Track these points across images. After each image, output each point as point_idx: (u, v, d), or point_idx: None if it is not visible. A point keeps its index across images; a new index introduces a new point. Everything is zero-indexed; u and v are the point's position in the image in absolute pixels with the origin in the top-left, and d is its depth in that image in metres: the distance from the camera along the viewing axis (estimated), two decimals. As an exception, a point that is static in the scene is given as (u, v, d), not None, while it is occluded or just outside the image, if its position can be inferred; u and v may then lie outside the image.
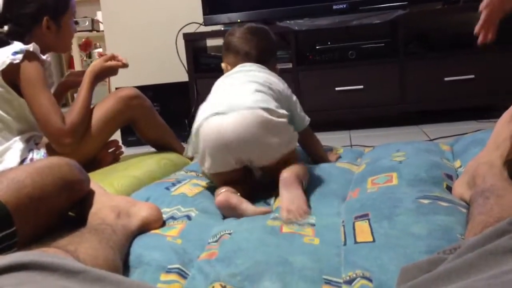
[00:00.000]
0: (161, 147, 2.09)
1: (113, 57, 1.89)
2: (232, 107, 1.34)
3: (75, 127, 1.75)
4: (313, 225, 1.15)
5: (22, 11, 1.81)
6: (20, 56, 1.69)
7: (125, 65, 1.91)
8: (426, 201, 1.12)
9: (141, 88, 2.46)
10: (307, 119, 1.58)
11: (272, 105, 1.35)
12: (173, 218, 1.25)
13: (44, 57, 1.78)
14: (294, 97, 1.54)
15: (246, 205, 1.27)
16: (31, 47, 1.72)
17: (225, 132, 1.31)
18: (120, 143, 2.07)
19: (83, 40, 2.01)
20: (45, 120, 1.71)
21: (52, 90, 1.90)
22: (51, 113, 1.71)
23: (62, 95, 2.09)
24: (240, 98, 1.36)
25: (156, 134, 2.06)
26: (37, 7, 1.81)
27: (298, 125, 1.53)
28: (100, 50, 3.62)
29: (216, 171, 1.37)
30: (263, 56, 1.57)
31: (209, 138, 1.33)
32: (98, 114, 1.86)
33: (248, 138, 1.30)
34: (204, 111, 1.40)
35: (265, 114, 1.31)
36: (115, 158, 1.98)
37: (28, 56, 1.71)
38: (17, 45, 1.73)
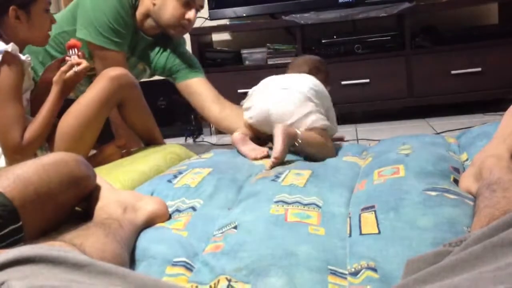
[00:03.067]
0: (144, 133, 2.08)
1: (71, 66, 1.78)
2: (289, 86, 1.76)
3: (32, 144, 1.70)
4: (318, 207, 1.15)
5: None
6: None
7: (86, 67, 1.80)
8: (433, 193, 1.12)
9: (147, 83, 2.47)
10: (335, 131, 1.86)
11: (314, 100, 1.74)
12: (178, 210, 1.25)
13: (24, 57, 1.72)
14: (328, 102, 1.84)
15: (249, 149, 1.71)
16: (9, 47, 1.66)
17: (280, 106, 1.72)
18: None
19: (70, 41, 1.87)
20: (3, 131, 1.67)
21: (28, 92, 1.83)
22: (11, 126, 1.66)
23: (46, 93, 1.90)
24: (294, 84, 1.77)
25: (141, 118, 2.03)
26: None
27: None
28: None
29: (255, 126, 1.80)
30: (299, 69, 1.94)
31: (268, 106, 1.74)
32: (92, 96, 1.82)
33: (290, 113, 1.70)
34: (265, 86, 1.83)
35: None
36: (123, 156, 1.97)
37: (7, 58, 1.65)
38: None
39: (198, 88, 2.31)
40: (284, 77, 1.84)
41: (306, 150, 1.64)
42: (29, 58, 1.77)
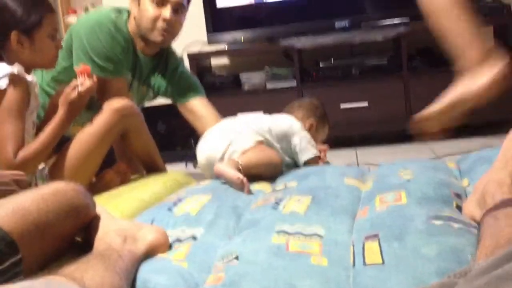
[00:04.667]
0: (146, 162, 2.08)
1: (75, 87, 1.78)
2: None
3: (25, 163, 1.67)
4: (320, 236, 1.14)
5: None
6: (5, 80, 1.65)
7: (89, 88, 1.80)
8: (438, 222, 1.11)
9: (147, 108, 2.47)
10: (306, 156, 1.90)
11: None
12: (178, 240, 1.24)
13: (29, 78, 1.73)
14: (298, 135, 1.90)
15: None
16: (15, 69, 1.67)
17: None
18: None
19: (81, 67, 1.85)
20: None
21: (34, 113, 1.83)
22: (7, 141, 1.64)
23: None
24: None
25: (144, 148, 2.03)
26: (4, 22, 1.71)
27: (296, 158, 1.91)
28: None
29: None
30: (286, 111, 2.06)
31: None
32: (94, 129, 1.83)
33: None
34: None
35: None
36: (123, 181, 1.97)
37: (14, 80, 1.66)
38: (2, 69, 1.67)
39: (199, 109, 2.31)
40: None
41: (254, 171, 1.68)
42: (34, 79, 1.77)
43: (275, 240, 1.12)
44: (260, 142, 1.79)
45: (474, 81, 1.05)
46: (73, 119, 1.82)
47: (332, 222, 1.23)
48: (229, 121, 1.92)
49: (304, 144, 1.90)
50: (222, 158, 1.74)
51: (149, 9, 2.09)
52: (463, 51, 1.06)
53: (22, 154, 1.67)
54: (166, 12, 2.10)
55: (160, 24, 2.10)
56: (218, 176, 1.67)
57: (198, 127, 2.31)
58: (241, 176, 1.59)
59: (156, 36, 2.14)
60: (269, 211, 1.32)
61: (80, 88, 1.77)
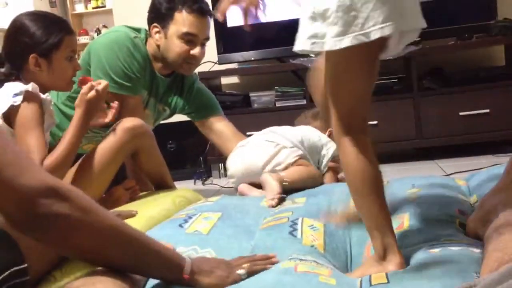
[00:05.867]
0: (155, 179, 2.09)
1: (92, 87, 1.77)
2: None
3: (52, 171, 1.62)
4: (331, 268, 1.14)
5: (12, 50, 1.75)
6: (20, 97, 1.65)
7: (107, 86, 1.80)
8: (436, 250, 1.12)
9: (156, 126, 2.49)
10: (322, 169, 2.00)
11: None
12: (190, 258, 1.23)
13: (44, 96, 1.73)
14: (326, 146, 2.01)
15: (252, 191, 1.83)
16: (30, 87, 1.67)
17: None
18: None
19: (80, 77, 1.85)
20: None
21: (48, 131, 1.83)
22: (32, 152, 1.62)
23: None
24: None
25: (154, 166, 2.04)
26: (23, 45, 1.73)
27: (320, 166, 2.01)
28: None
29: None
30: (301, 122, 2.20)
31: None
32: (105, 147, 1.85)
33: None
34: None
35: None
36: (131, 197, 1.98)
37: (28, 97, 1.66)
38: (17, 86, 1.68)
39: (216, 126, 2.36)
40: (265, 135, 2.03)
41: (294, 186, 1.76)
42: (49, 97, 1.78)
43: (284, 265, 1.12)
44: (301, 157, 1.88)
45: None
46: (91, 119, 1.81)
47: (343, 254, 1.26)
48: (263, 134, 2.02)
49: (330, 153, 2.01)
50: (263, 169, 1.85)
51: (178, 45, 2.16)
52: None
53: (48, 162, 1.66)
54: (196, 50, 2.18)
55: (189, 60, 2.20)
56: (260, 183, 1.78)
57: (219, 144, 2.36)
58: (280, 191, 1.67)
59: (184, 70, 2.24)
60: (287, 237, 1.30)
61: (99, 87, 1.77)
